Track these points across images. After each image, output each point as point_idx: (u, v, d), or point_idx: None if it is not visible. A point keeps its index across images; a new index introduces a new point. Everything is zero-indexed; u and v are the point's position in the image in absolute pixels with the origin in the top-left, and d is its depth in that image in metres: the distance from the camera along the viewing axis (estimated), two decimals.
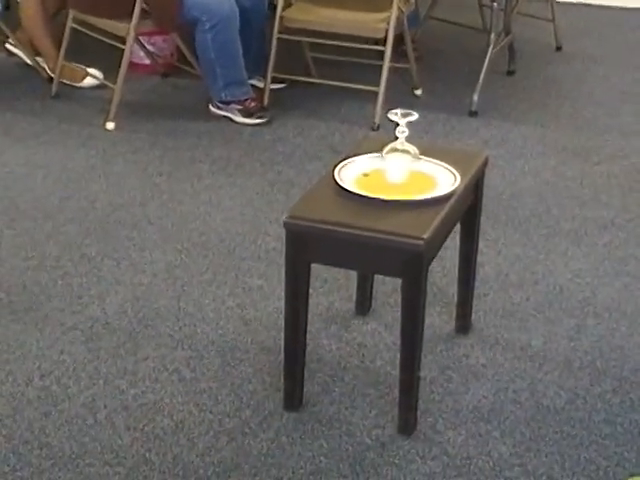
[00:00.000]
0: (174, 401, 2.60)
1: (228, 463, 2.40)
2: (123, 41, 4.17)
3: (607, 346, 2.83)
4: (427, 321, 2.59)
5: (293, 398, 2.56)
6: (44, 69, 4.62)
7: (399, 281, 2.40)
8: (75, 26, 4.35)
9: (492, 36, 4.41)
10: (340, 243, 2.37)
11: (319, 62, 4.55)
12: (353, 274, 2.97)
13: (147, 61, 4.73)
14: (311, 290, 2.55)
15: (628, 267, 3.22)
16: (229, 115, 4.25)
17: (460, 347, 2.82)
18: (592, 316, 2.97)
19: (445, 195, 2.44)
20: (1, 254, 3.27)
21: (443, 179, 2.50)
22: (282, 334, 2.53)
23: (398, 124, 2.48)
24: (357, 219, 2.37)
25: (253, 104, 4.24)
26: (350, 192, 2.43)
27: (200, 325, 2.91)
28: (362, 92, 4.25)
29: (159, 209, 3.56)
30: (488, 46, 4.40)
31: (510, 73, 4.77)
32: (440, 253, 2.54)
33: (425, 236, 2.30)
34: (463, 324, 2.87)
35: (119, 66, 4.18)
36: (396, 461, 2.41)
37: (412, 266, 2.34)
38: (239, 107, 4.23)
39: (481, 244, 2.94)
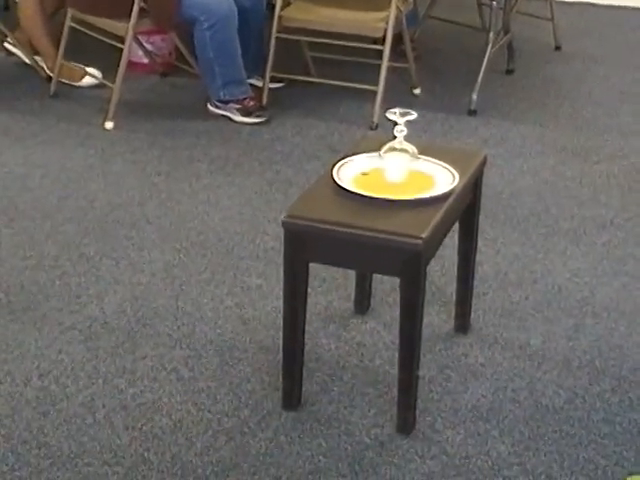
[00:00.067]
0: (172, 400, 2.60)
1: (227, 462, 2.40)
2: (122, 40, 4.17)
3: (606, 345, 2.83)
4: (426, 320, 2.59)
5: (292, 397, 2.56)
6: (43, 68, 4.62)
7: (398, 280, 2.40)
8: (74, 25, 4.34)
9: (491, 35, 4.41)
10: (338, 242, 2.37)
11: (318, 61, 4.55)
12: (352, 273, 2.97)
13: (146, 60, 4.72)
14: (310, 289, 2.55)
15: (627, 267, 3.22)
16: (228, 114, 4.25)
17: (459, 346, 2.82)
18: (591, 315, 2.96)
19: (444, 194, 2.44)
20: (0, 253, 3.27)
21: (442, 178, 2.50)
22: (281, 333, 2.53)
23: (397, 123, 2.48)
24: (355, 218, 2.37)
25: (252, 103, 4.23)
26: (349, 191, 2.43)
27: (199, 324, 2.91)
28: (361, 91, 4.25)
29: (158, 208, 3.56)
30: (487, 45, 4.39)
31: (509, 72, 4.77)
32: (439, 252, 2.54)
33: (424, 235, 2.30)
34: (462, 323, 2.87)
35: (118, 65, 4.17)
36: (395, 460, 2.41)
37: (411, 265, 2.34)
38: (238, 106, 4.22)
39: (480, 243, 2.94)
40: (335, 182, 2.47)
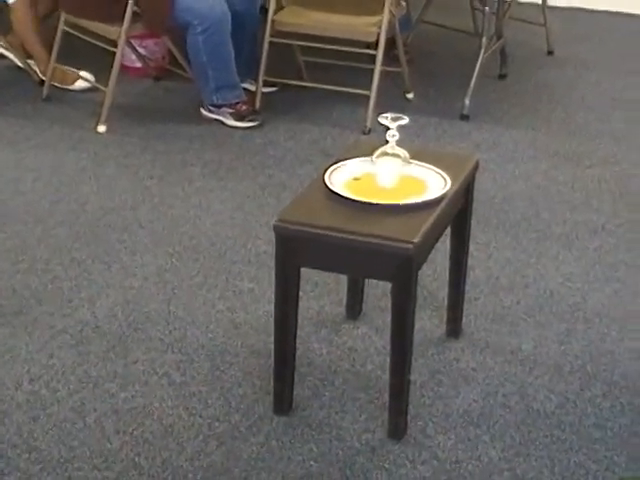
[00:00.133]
0: (164, 405, 2.60)
1: (218, 467, 2.40)
2: (115, 44, 4.17)
3: (597, 351, 2.83)
4: (417, 325, 2.59)
5: (283, 402, 2.56)
6: (35, 72, 4.61)
7: (389, 285, 2.40)
8: (67, 29, 4.34)
9: (484, 40, 4.41)
10: (330, 247, 2.37)
11: (311, 66, 4.55)
12: (344, 278, 2.97)
13: (139, 64, 4.72)
14: (301, 294, 2.54)
15: (618, 272, 3.22)
16: (221, 118, 4.24)
17: (450, 351, 2.82)
18: (582, 320, 2.97)
19: (435, 199, 2.44)
20: None
21: (433, 183, 2.50)
22: (272, 338, 2.53)
23: (389, 128, 2.48)
24: (347, 223, 2.37)
25: (245, 107, 4.23)
26: (340, 196, 2.43)
27: (190, 329, 2.91)
28: (354, 96, 4.25)
29: (150, 212, 3.56)
30: (480, 50, 4.40)
31: (502, 77, 4.78)
32: (430, 257, 2.54)
33: (415, 240, 2.30)
34: (453, 328, 2.87)
35: (111, 69, 4.17)
36: (386, 465, 2.41)
37: (402, 270, 2.34)
38: (231, 110, 4.22)
39: (472, 248, 2.94)
40: (327, 187, 2.47)
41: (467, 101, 4.33)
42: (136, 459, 2.41)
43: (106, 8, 4.12)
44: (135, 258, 3.26)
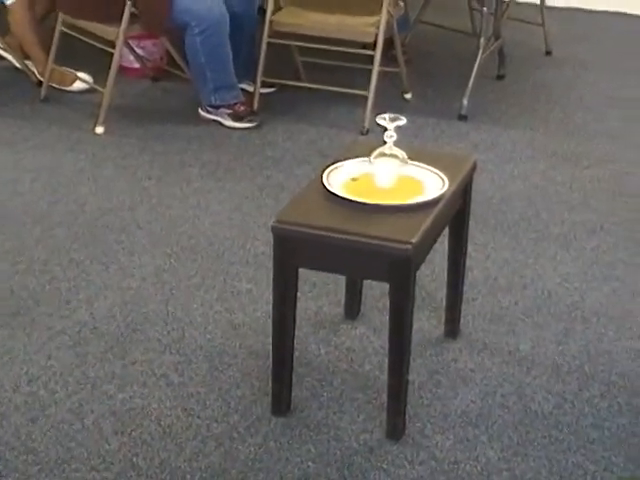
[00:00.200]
0: (162, 406, 2.60)
1: (216, 468, 2.40)
2: (113, 45, 4.17)
3: (595, 351, 2.83)
4: (416, 325, 2.59)
5: (281, 403, 2.56)
6: (33, 73, 4.61)
7: (388, 285, 2.40)
8: (65, 30, 4.34)
9: (482, 40, 4.42)
10: (328, 248, 2.37)
11: (308, 66, 4.55)
12: (342, 278, 2.96)
13: (137, 65, 4.72)
14: (300, 294, 2.54)
15: (616, 272, 3.22)
16: (219, 119, 4.25)
17: (449, 351, 2.82)
18: (580, 321, 2.97)
19: (433, 200, 2.44)
20: None
21: (431, 183, 2.50)
22: (270, 339, 2.53)
23: (386, 129, 2.48)
24: (345, 224, 2.37)
25: (243, 108, 4.23)
26: (338, 197, 2.43)
27: (188, 329, 2.91)
28: (352, 96, 4.25)
29: (148, 213, 3.56)
30: (478, 50, 4.40)
31: (500, 77, 4.78)
32: (429, 257, 2.54)
33: (413, 241, 2.30)
34: (452, 328, 2.87)
35: (109, 70, 4.17)
36: (384, 466, 2.41)
37: (400, 271, 2.34)
38: (229, 111, 4.22)
39: (470, 248, 2.94)
40: (325, 187, 2.47)
41: (465, 101, 4.33)
42: (134, 460, 2.41)
43: (104, 9, 4.12)
44: (133, 259, 3.26)
